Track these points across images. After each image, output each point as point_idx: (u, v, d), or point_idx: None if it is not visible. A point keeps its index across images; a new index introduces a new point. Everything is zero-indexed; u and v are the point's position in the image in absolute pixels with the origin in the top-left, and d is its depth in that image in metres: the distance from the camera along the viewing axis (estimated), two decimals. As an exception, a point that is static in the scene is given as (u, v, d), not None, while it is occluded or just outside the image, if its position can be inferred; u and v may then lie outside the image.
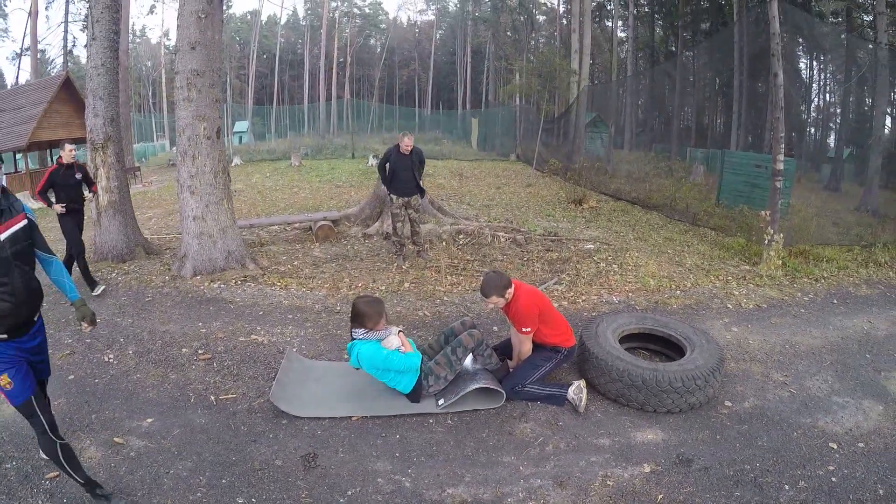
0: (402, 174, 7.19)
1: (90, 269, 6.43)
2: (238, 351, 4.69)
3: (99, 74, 7.19)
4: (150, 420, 3.61)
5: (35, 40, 27.20)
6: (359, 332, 3.74)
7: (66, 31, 32.48)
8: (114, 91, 7.37)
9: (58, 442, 2.62)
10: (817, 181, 16.88)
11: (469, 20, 51.01)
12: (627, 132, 24.56)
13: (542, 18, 43.16)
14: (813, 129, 20.09)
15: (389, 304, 5.86)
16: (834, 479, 3.04)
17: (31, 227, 2.60)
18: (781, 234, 7.30)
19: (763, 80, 19.01)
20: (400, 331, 3.96)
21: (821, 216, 10.95)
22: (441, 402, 3.75)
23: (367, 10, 59.66)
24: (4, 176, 2.60)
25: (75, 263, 6.28)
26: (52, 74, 28.83)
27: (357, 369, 3.86)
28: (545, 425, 3.61)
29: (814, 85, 20.78)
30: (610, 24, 35.89)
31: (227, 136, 32.35)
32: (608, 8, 35.14)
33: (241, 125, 40.72)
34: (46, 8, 34.14)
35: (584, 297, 6.10)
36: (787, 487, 2.97)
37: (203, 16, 6.35)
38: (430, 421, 3.66)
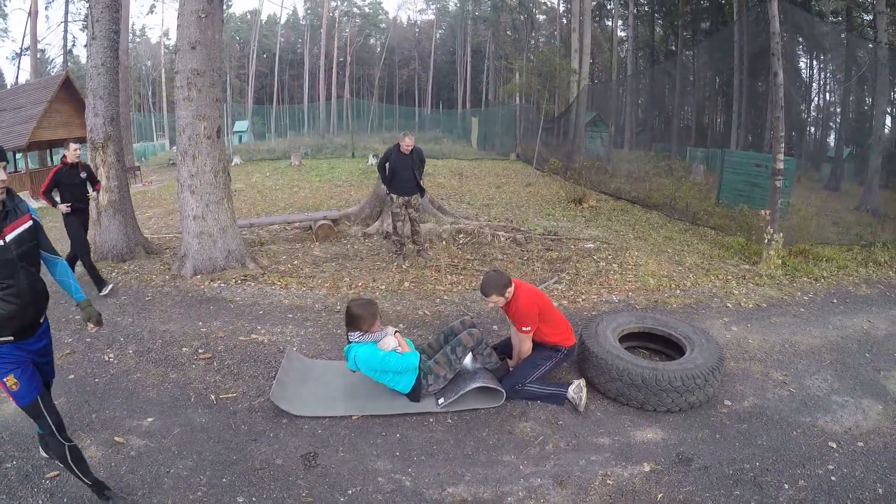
0: (402, 173, 7.19)
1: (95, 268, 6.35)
2: (238, 350, 4.69)
3: (99, 74, 7.19)
4: (150, 419, 3.61)
5: (35, 40, 27.20)
6: (354, 336, 3.76)
7: (65, 31, 32.51)
8: (114, 90, 7.37)
9: (66, 444, 2.61)
10: (817, 180, 16.88)
11: (469, 19, 51.00)
12: (627, 131, 24.56)
13: (542, 18, 43.11)
14: (813, 129, 20.09)
15: (389, 304, 5.87)
16: (833, 478, 3.04)
17: (37, 228, 2.58)
18: (781, 234, 7.31)
19: (763, 80, 19.01)
20: (396, 331, 3.97)
21: (821, 215, 10.95)
22: (441, 401, 3.75)
23: (366, 10, 59.66)
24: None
25: (80, 263, 6.24)
26: (52, 74, 28.86)
27: (354, 372, 3.87)
28: (545, 424, 3.61)
29: (814, 84, 20.78)
30: (610, 23, 35.89)
31: (227, 135, 32.34)
32: (608, 7, 35.15)
33: (241, 125, 40.71)
34: (46, 8, 34.16)
35: (583, 297, 6.10)
36: (786, 486, 2.97)
37: (203, 15, 6.35)
38: (431, 420, 3.66)
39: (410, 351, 3.84)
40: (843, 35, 17.47)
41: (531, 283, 4.62)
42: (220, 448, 3.31)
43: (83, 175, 6.31)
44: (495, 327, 5.25)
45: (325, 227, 8.94)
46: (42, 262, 2.66)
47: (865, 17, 19.52)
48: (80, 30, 33.09)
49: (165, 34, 52.32)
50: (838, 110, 18.00)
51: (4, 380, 2.46)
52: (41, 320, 2.63)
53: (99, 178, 7.22)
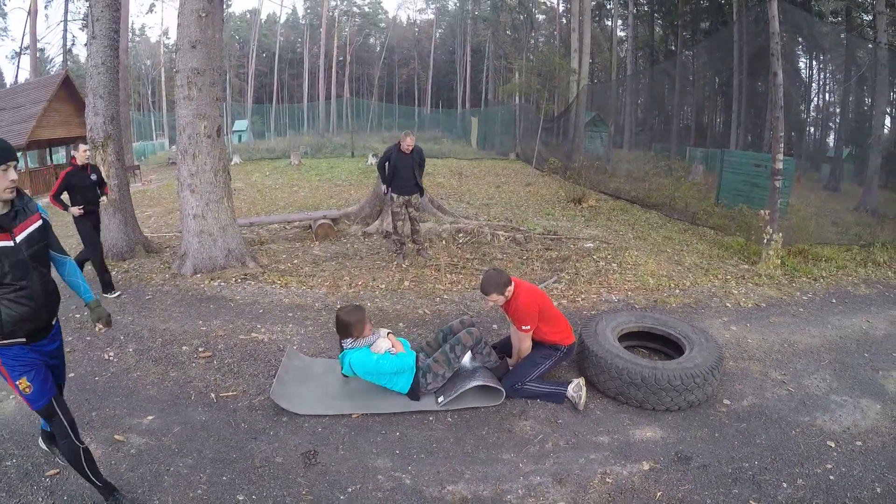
0: (402, 172, 7.20)
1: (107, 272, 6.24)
2: (238, 349, 4.70)
3: (99, 73, 7.19)
4: (150, 417, 3.62)
5: (34, 39, 27.19)
6: (347, 342, 3.78)
7: (65, 30, 32.47)
8: (114, 90, 7.37)
9: (81, 447, 2.60)
10: (816, 181, 16.89)
11: (469, 19, 51.00)
12: (627, 131, 24.56)
13: (541, 17, 43.12)
14: (812, 129, 20.11)
15: (389, 303, 5.88)
16: (832, 477, 3.05)
17: (46, 228, 2.53)
18: (780, 234, 7.32)
19: (763, 80, 19.02)
20: (389, 332, 3.99)
21: (820, 216, 10.96)
22: (441, 399, 3.76)
23: (366, 9, 59.65)
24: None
25: (90, 265, 6.14)
26: (52, 73, 28.83)
27: (349, 377, 3.87)
28: (545, 423, 3.62)
29: (813, 84, 20.80)
30: (609, 23, 35.90)
31: (227, 134, 32.33)
32: (608, 7, 35.16)
33: (241, 124, 40.68)
34: (46, 7, 34.11)
35: (583, 296, 6.11)
36: (785, 485, 2.98)
37: (204, 14, 6.35)
38: (430, 418, 3.67)
39: (405, 351, 3.86)
40: (842, 35, 17.49)
41: (531, 282, 4.63)
42: (220, 446, 3.31)
43: (93, 177, 6.15)
44: (495, 326, 5.26)
45: (324, 226, 8.94)
46: (50, 261, 2.61)
47: (865, 17, 19.54)
48: (80, 29, 33.07)
49: (165, 33, 52.38)
50: (838, 110, 18.02)
51: (17, 382, 2.43)
52: (53, 322, 2.60)
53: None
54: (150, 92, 55.45)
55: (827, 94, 20.03)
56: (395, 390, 3.80)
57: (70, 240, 7.48)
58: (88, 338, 4.84)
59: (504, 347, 4.32)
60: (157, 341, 4.83)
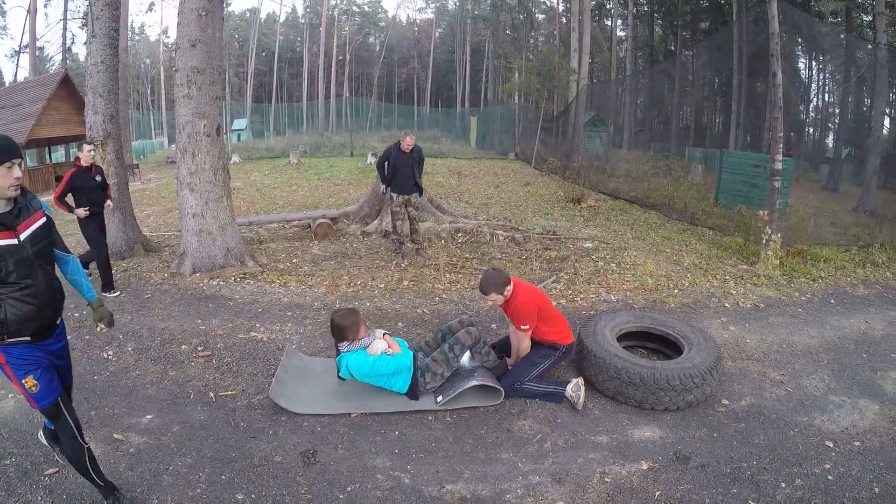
0: (402, 171, 7.19)
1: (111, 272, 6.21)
2: (237, 348, 4.70)
3: (99, 72, 7.18)
4: (149, 416, 3.62)
5: (34, 37, 27.17)
6: (343, 345, 3.79)
7: (64, 29, 32.45)
8: (114, 88, 7.36)
9: (85, 447, 2.58)
10: (815, 181, 16.91)
11: (468, 18, 50.99)
12: (626, 131, 24.59)
13: (541, 17, 43.13)
14: (811, 130, 20.13)
15: (388, 302, 5.88)
16: (830, 477, 3.06)
17: (50, 225, 2.50)
18: (779, 234, 7.33)
19: (762, 80, 19.04)
20: (385, 333, 3.99)
21: (819, 216, 10.97)
22: (440, 398, 3.76)
23: (366, 8, 59.61)
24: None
25: (94, 265, 6.10)
26: (51, 72, 28.79)
27: (345, 380, 3.87)
28: (543, 422, 3.63)
29: (813, 85, 20.83)
30: (609, 23, 35.93)
31: (226, 133, 32.31)
32: (607, 7, 35.18)
33: (240, 123, 40.68)
34: (45, 5, 34.10)
35: (582, 296, 6.12)
36: (783, 485, 2.99)
37: (203, 13, 6.35)
38: (429, 418, 3.67)
39: (402, 351, 3.86)
40: (842, 36, 17.51)
41: (530, 282, 4.64)
42: (219, 445, 3.31)
43: (98, 178, 6.11)
44: (494, 326, 5.27)
45: (323, 225, 8.94)
46: (54, 259, 2.58)
47: (865, 18, 19.56)
48: (79, 27, 33.10)
49: (164, 32, 52.38)
50: (837, 111, 18.05)
51: (23, 381, 2.40)
52: (58, 321, 2.57)
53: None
54: (149, 91, 55.42)
55: (826, 95, 20.07)
56: (394, 391, 3.80)
57: (69, 238, 7.47)
58: (87, 337, 4.84)
59: (503, 347, 4.32)
60: (155, 340, 4.83)
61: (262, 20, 55.45)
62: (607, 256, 7.61)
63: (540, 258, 7.61)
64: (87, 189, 5.97)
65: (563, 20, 37.09)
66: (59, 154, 25.76)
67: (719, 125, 24.64)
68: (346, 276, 6.74)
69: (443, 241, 8.42)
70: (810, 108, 20.40)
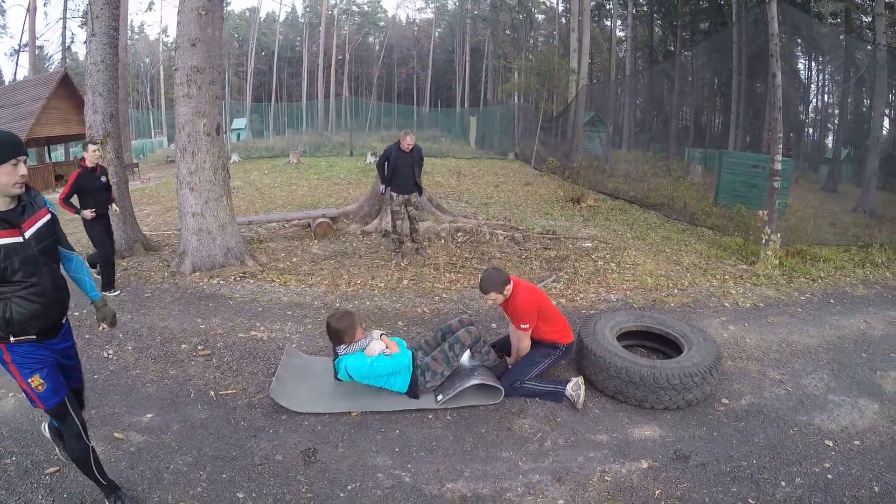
0: (402, 171, 7.20)
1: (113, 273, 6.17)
2: (237, 347, 4.70)
3: (98, 71, 7.18)
4: (149, 415, 3.62)
5: (33, 36, 27.14)
6: (341, 349, 3.80)
7: (64, 28, 32.42)
8: (113, 87, 7.37)
9: (90, 446, 2.57)
10: (815, 182, 16.93)
11: (468, 18, 51.00)
12: (626, 131, 24.61)
13: (540, 17, 43.15)
14: (811, 130, 20.16)
15: (388, 301, 5.89)
16: (830, 475, 3.06)
17: (54, 222, 2.46)
18: (779, 234, 7.34)
19: (762, 81, 19.05)
20: (382, 333, 4.00)
21: (818, 216, 10.99)
22: (440, 397, 3.77)
23: (365, 8, 59.61)
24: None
25: (98, 265, 6.05)
26: (51, 71, 28.78)
27: (343, 381, 3.87)
28: (544, 421, 3.63)
29: (812, 86, 20.86)
30: (609, 23, 35.90)
31: (226, 133, 32.27)
32: (607, 7, 35.16)
33: (239, 122, 40.64)
34: (45, 4, 34.19)
35: (581, 295, 6.12)
36: (783, 484, 2.99)
37: (203, 12, 6.35)
38: (430, 416, 3.68)
39: (400, 351, 3.87)
40: (841, 37, 17.53)
41: (530, 281, 4.64)
42: (219, 444, 3.32)
43: (104, 179, 6.04)
44: (494, 325, 5.27)
45: (323, 224, 8.95)
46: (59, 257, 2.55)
47: (864, 19, 19.58)
48: (79, 26, 33.09)
49: (164, 31, 52.37)
50: (836, 112, 18.07)
51: (30, 380, 2.36)
52: (63, 320, 2.53)
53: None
54: (148, 90, 55.40)
55: (826, 96, 20.10)
56: (394, 390, 3.80)
57: (71, 238, 7.46)
58: (87, 336, 4.83)
59: (503, 346, 4.33)
60: (156, 339, 4.83)
61: (262, 19, 55.49)
62: (607, 256, 7.62)
63: (539, 258, 7.62)
64: (93, 190, 5.91)
65: (563, 20, 37.10)
66: (58, 153, 25.75)
67: (719, 125, 24.67)
68: (345, 276, 6.74)
69: (442, 241, 8.43)
70: (810, 109, 20.44)
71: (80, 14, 31.10)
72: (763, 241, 7.30)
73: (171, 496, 2.85)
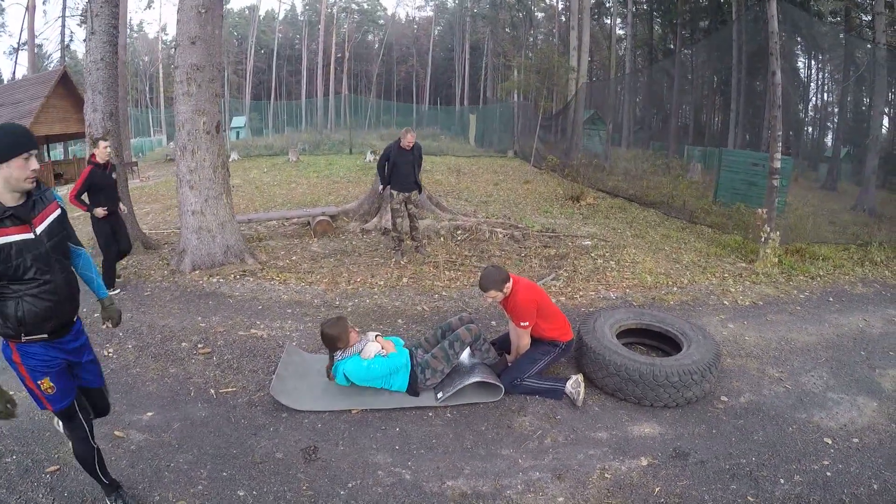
0: (403, 168, 7.19)
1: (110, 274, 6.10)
2: (238, 345, 4.70)
3: (98, 69, 7.16)
4: (150, 414, 3.62)
5: (32, 35, 27.13)
6: (337, 354, 3.81)
7: (63, 26, 32.35)
8: (113, 86, 7.35)
9: (95, 448, 2.56)
10: (814, 180, 16.97)
11: (467, 16, 50.92)
12: (625, 129, 24.63)
13: (540, 15, 43.13)
14: (810, 128, 20.19)
15: (388, 299, 5.89)
16: (829, 473, 3.07)
17: (64, 217, 2.40)
18: (778, 232, 7.34)
19: (761, 79, 19.06)
20: (377, 335, 4.02)
21: (817, 215, 11.00)
22: (440, 395, 3.78)
23: (365, 6, 59.47)
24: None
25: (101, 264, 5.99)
26: (50, 69, 28.74)
27: (344, 385, 3.88)
28: (543, 419, 3.64)
29: (812, 84, 20.86)
30: (609, 21, 35.91)
31: (226, 131, 32.21)
32: (607, 5, 35.14)
33: (239, 120, 40.53)
34: (44, 2, 34.14)
35: (581, 293, 6.13)
36: (782, 481, 3.00)
37: (203, 10, 6.34)
38: (430, 414, 3.68)
39: (396, 350, 3.88)
40: (841, 35, 17.54)
41: (529, 279, 4.65)
42: (220, 442, 3.32)
43: (114, 176, 5.99)
44: (493, 323, 5.28)
45: (323, 223, 8.95)
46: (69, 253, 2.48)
47: (864, 17, 19.57)
48: (78, 24, 33.04)
49: (163, 29, 52.27)
50: (836, 110, 18.10)
51: (39, 383, 2.31)
52: (74, 318, 2.46)
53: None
54: (147, 88, 55.32)
55: (825, 94, 20.12)
56: (395, 390, 3.81)
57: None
58: (87, 333, 4.83)
59: (503, 344, 4.34)
60: (156, 337, 4.83)
61: (261, 17, 55.40)
62: (606, 254, 7.63)
63: (539, 255, 7.62)
64: (105, 187, 5.84)
65: (563, 18, 37.07)
66: (57, 152, 25.70)
67: (718, 124, 24.70)
68: (345, 274, 6.74)
69: (442, 239, 8.43)
70: (809, 107, 20.48)
71: (80, 12, 30.98)
72: (762, 240, 7.30)
73: (171, 494, 2.86)
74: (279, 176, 17.48)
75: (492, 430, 3.51)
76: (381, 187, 7.58)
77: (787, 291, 6.33)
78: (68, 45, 34.68)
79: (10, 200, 2.15)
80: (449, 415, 3.68)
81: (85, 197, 5.77)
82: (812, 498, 2.87)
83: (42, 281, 2.20)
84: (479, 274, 4.03)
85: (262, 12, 55.73)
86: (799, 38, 18.94)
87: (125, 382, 4.05)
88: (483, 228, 8.78)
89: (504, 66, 39.40)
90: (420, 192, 7.68)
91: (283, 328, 5.08)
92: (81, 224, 7.07)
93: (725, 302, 5.94)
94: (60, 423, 2.86)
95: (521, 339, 4.00)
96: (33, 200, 2.23)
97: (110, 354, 4.48)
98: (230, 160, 21.83)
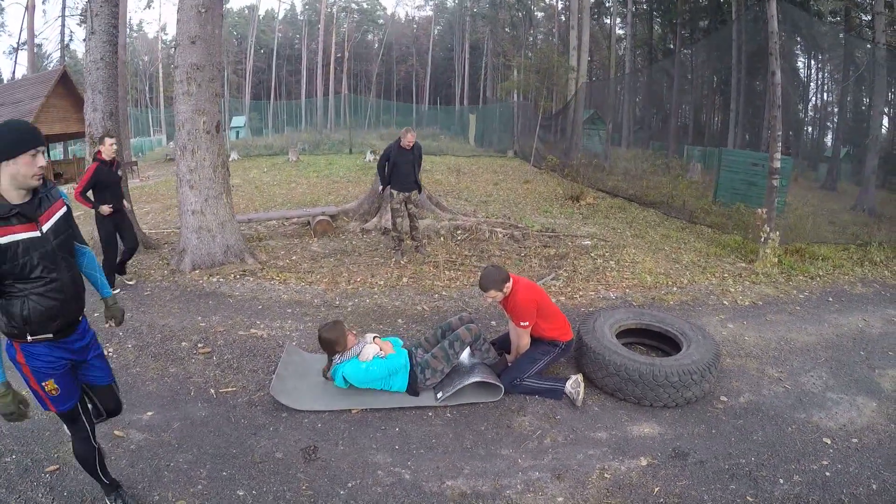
0: (403, 168, 7.19)
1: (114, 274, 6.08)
2: (237, 345, 4.70)
3: (98, 69, 7.16)
4: (150, 413, 3.62)
5: (32, 34, 27.11)
6: (336, 358, 3.83)
7: (63, 26, 32.33)
8: (113, 85, 7.34)
9: (97, 448, 2.55)
10: (814, 180, 16.97)
11: (467, 16, 50.91)
12: (625, 129, 24.63)
13: (540, 15, 43.12)
14: (810, 128, 20.19)
15: (388, 299, 5.89)
16: (828, 473, 3.08)
17: (70, 215, 2.37)
18: (778, 232, 7.35)
19: (761, 79, 19.06)
20: (375, 336, 4.03)
21: (817, 215, 11.01)
22: (440, 395, 3.78)
23: (364, 6, 59.45)
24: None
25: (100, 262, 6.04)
26: (49, 69, 28.73)
27: (343, 387, 3.89)
28: (543, 419, 3.64)
29: (812, 84, 20.86)
30: (608, 21, 35.90)
31: (225, 130, 32.18)
32: (607, 5, 35.14)
33: (238, 120, 40.51)
34: (43, 2, 34.14)
35: (581, 293, 6.13)
36: (781, 481, 3.01)
37: (203, 10, 6.34)
38: (429, 414, 3.69)
39: (395, 351, 3.89)
40: (841, 35, 17.54)
41: (529, 279, 4.65)
42: (219, 442, 3.32)
43: (119, 173, 5.94)
44: (493, 323, 5.28)
45: (323, 222, 8.95)
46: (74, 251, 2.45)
47: (864, 17, 19.58)
48: (78, 24, 33.01)
49: (163, 29, 52.29)
50: (836, 110, 18.09)
51: (44, 384, 2.28)
52: (80, 318, 2.43)
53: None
54: (147, 88, 55.31)
55: (825, 94, 20.12)
56: (394, 390, 3.82)
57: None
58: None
59: (503, 344, 4.34)
60: (156, 337, 4.83)
61: (261, 17, 55.38)
62: (606, 254, 7.63)
63: (539, 255, 7.62)
64: (110, 184, 5.79)
65: (562, 18, 37.08)
66: (56, 151, 25.68)
67: (718, 123, 24.70)
68: (345, 274, 6.74)
69: (442, 239, 8.44)
70: (809, 107, 20.48)
71: (79, 12, 30.96)
72: (762, 240, 7.31)
73: (171, 494, 2.86)
74: (279, 176, 17.48)
75: (491, 430, 3.51)
76: (381, 188, 7.58)
77: (787, 291, 6.34)
78: (68, 45, 34.69)
79: (16, 198, 2.12)
80: (449, 415, 3.68)
81: (90, 194, 5.72)
82: (811, 498, 2.87)
83: (48, 279, 2.18)
84: (479, 274, 4.03)
85: (261, 12, 55.83)
86: (799, 38, 18.94)
87: (125, 382, 4.03)
88: (483, 228, 8.79)
89: (504, 66, 39.41)
90: (420, 191, 7.69)
91: (282, 328, 5.09)
92: (82, 223, 7.04)
93: (725, 302, 5.94)
94: (75, 458, 2.83)
95: (521, 339, 4.00)
96: (39, 198, 2.20)
97: (110, 354, 4.48)
98: (230, 160, 21.81)
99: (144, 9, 44.94)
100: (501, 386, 3.82)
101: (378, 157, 7.58)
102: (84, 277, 2.52)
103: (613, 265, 7.14)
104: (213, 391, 3.94)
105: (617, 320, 4.49)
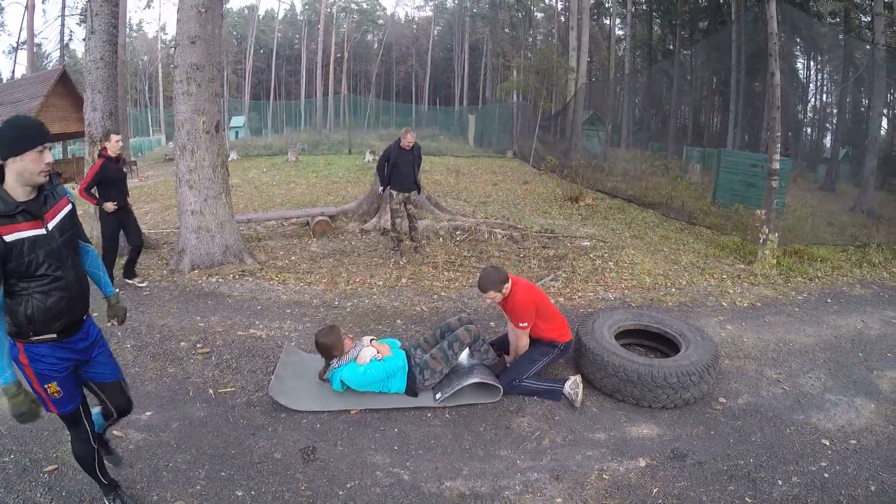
0: (403, 168, 7.19)
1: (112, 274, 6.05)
2: (236, 345, 4.70)
3: (98, 68, 7.15)
4: (148, 413, 3.62)
5: (31, 34, 27.08)
6: (333, 363, 3.83)
7: (62, 25, 32.32)
8: (112, 85, 7.33)
9: (96, 449, 2.54)
10: (813, 181, 16.96)
11: (467, 16, 50.93)
12: (624, 130, 24.60)
13: (539, 15, 43.12)
14: (809, 130, 20.18)
15: (387, 300, 5.89)
16: (826, 474, 3.08)
17: (74, 212, 2.37)
18: (776, 234, 7.36)
19: (760, 80, 19.05)
20: (372, 339, 4.03)
21: (816, 216, 11.01)
22: (438, 396, 3.78)
23: (364, 6, 59.47)
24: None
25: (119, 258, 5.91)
26: (49, 68, 28.70)
27: (341, 391, 3.89)
28: (542, 420, 3.64)
29: (811, 85, 20.88)
30: (608, 21, 35.91)
31: (225, 130, 32.15)
32: (606, 6, 35.15)
33: (238, 120, 40.55)
34: (43, 1, 34.11)
35: (580, 294, 6.14)
36: (780, 482, 3.01)
37: (203, 10, 6.34)
38: (428, 415, 3.69)
39: (392, 353, 3.89)
40: (840, 36, 17.55)
41: (528, 280, 4.65)
42: (218, 442, 3.32)
43: (125, 170, 5.92)
44: (492, 324, 5.28)
45: (322, 223, 8.94)
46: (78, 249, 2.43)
47: (863, 18, 19.60)
48: (77, 24, 33.00)
49: (162, 29, 52.26)
50: (835, 111, 18.08)
51: (46, 387, 2.26)
52: (84, 317, 2.40)
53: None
54: (146, 88, 55.28)
55: (824, 95, 20.12)
56: (392, 392, 3.82)
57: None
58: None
59: (502, 345, 4.34)
60: (154, 337, 4.83)
61: (261, 17, 55.37)
62: (605, 255, 7.63)
63: (538, 256, 7.63)
64: (116, 181, 5.77)
65: (562, 18, 37.06)
66: (56, 151, 25.63)
67: (717, 124, 24.71)
68: (344, 274, 6.74)
69: (441, 239, 8.44)
70: (808, 109, 20.48)
71: (79, 11, 30.94)
72: (761, 241, 7.32)
73: (169, 494, 2.86)
74: (278, 176, 17.47)
75: (490, 431, 3.51)
76: (380, 188, 7.58)
77: (786, 293, 6.35)
78: (67, 45, 34.67)
79: (22, 195, 2.11)
80: (447, 415, 3.68)
81: (95, 191, 5.71)
82: (809, 499, 2.88)
83: (53, 277, 2.16)
84: (478, 275, 4.04)
85: (261, 12, 55.84)
86: (798, 39, 18.94)
87: (124, 382, 4.04)
88: (482, 229, 8.79)
89: (503, 67, 39.41)
90: (419, 192, 7.69)
91: (281, 328, 5.09)
92: (82, 222, 7.05)
93: (724, 303, 5.95)
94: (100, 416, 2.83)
95: (520, 340, 4.00)
96: (45, 195, 2.19)
97: (109, 354, 4.48)
98: (229, 160, 21.78)
99: (144, 8, 44.98)
100: (500, 387, 3.82)
101: (377, 158, 7.57)
102: (89, 276, 2.52)
103: (612, 266, 7.14)
104: (211, 391, 3.94)
105: (616, 321, 4.49)
